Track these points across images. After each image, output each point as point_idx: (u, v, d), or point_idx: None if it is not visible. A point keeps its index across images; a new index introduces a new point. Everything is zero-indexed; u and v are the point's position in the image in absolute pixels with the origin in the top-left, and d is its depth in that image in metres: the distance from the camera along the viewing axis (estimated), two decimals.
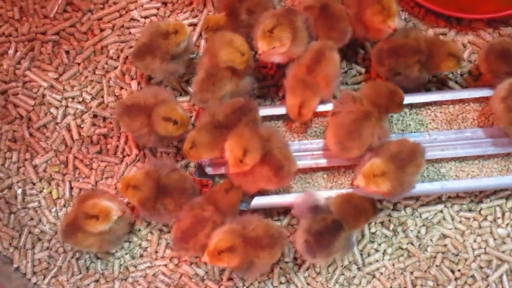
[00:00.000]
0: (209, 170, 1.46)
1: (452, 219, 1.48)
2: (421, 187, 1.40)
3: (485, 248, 1.46)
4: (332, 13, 1.42)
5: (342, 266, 1.48)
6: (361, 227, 1.38)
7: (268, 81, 1.56)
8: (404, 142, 1.33)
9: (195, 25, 1.59)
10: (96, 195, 1.42)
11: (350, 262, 1.48)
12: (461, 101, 1.46)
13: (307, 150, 1.46)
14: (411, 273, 1.47)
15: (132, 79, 1.58)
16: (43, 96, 1.58)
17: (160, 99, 1.39)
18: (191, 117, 1.53)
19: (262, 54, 1.36)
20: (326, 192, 1.40)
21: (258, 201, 1.42)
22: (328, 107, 1.43)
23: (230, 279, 1.50)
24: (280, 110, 1.46)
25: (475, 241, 1.47)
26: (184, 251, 1.37)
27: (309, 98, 1.39)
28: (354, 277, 1.48)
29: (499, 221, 1.47)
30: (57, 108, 1.58)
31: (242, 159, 1.27)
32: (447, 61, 1.39)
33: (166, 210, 1.39)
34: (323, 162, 1.44)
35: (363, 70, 1.55)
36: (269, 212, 1.51)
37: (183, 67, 1.49)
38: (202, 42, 1.59)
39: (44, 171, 1.56)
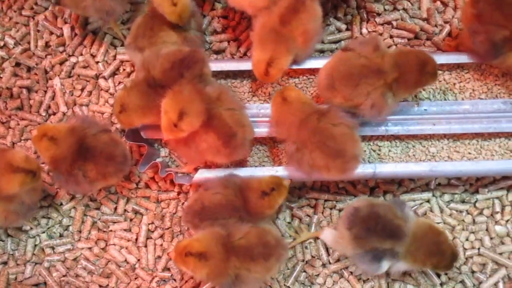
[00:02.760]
0: (143, 134, 1.24)
1: (441, 211, 1.34)
2: (405, 168, 1.22)
3: (479, 249, 1.32)
4: None
5: (303, 261, 1.30)
6: (421, 266, 1.16)
7: (228, 33, 1.37)
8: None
9: None
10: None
11: (313, 257, 1.30)
12: (459, 66, 1.27)
13: (267, 116, 1.25)
14: (387, 275, 1.28)
15: (65, 22, 1.42)
16: None
17: None
18: None
19: None
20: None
21: (203, 175, 1.22)
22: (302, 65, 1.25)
23: (166, 269, 1.30)
24: (237, 66, 1.27)
25: (467, 239, 1.33)
26: (191, 225, 1.18)
27: (280, 54, 1.20)
28: (317, 275, 1.29)
29: (498, 216, 1.34)
30: None
31: (177, 123, 1.09)
32: None
33: (86, 178, 1.18)
34: None
35: (343, 27, 1.38)
36: None
37: (122, 6, 1.29)
38: None
39: None
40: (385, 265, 1.12)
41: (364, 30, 1.36)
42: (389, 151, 1.26)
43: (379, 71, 1.15)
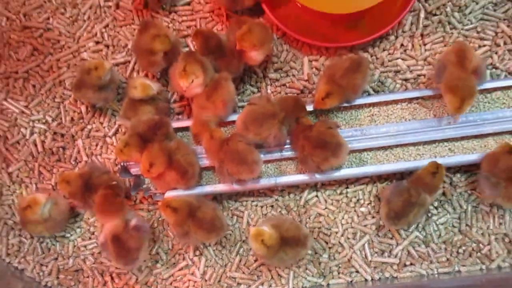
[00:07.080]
0: (134, 171, 1.77)
1: (325, 202, 1.69)
2: (295, 178, 1.68)
3: (351, 223, 1.67)
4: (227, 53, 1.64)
5: (241, 240, 1.70)
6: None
7: (184, 101, 1.79)
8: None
9: (129, 61, 1.83)
10: (32, 193, 1.71)
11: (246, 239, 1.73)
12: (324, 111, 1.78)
13: None
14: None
15: (82, 103, 1.81)
16: (16, 119, 1.82)
17: None
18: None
19: (187, 90, 1.65)
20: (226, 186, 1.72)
21: (170, 194, 1.65)
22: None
23: (156, 253, 1.84)
24: (190, 123, 1.77)
25: (343, 218, 1.68)
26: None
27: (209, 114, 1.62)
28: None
29: (362, 201, 1.68)
30: (26, 128, 1.81)
31: (149, 169, 1.51)
32: None
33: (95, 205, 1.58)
34: None
35: (255, 90, 1.78)
36: None
37: (113, 94, 1.71)
38: (135, 75, 1.93)
39: (17, 176, 1.80)
40: None
41: (269, 91, 1.81)
42: (287, 167, 1.68)
43: (273, 114, 1.53)
